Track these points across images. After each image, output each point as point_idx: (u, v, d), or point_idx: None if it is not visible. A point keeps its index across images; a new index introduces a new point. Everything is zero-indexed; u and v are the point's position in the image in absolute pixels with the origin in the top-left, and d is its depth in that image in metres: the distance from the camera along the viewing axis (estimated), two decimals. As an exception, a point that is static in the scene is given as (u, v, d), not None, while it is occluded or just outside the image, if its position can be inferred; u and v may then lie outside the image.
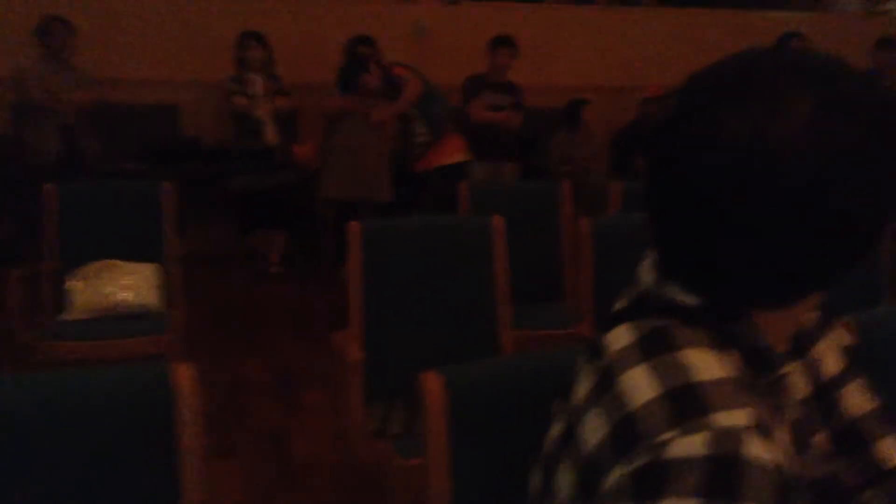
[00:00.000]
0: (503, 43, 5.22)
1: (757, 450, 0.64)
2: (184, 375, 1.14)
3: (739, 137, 0.68)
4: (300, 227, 5.36)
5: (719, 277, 0.74)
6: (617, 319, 0.81)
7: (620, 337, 0.77)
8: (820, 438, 0.90)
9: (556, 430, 0.83)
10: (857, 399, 0.93)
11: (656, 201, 0.76)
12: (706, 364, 0.71)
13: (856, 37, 5.99)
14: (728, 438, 0.64)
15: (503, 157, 5.30)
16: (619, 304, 0.84)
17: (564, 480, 0.78)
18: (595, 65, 6.72)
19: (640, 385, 0.71)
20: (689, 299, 0.77)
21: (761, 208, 0.68)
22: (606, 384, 0.74)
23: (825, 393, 0.93)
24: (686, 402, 0.68)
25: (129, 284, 3.03)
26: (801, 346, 0.90)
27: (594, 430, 0.73)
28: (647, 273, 0.82)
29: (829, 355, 0.94)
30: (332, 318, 2.92)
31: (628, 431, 0.69)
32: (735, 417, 0.66)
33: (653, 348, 0.73)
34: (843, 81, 0.71)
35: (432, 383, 1.08)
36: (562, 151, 5.87)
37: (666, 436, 0.66)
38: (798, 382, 0.88)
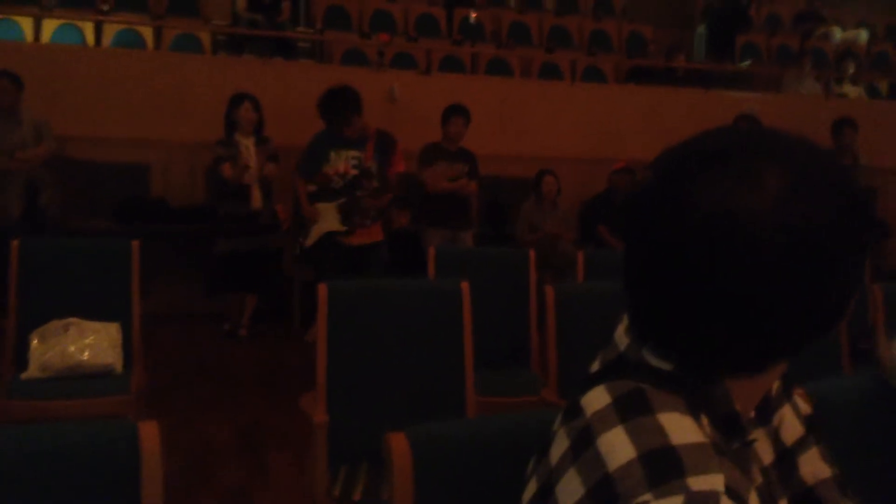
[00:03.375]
0: (457, 112, 5.35)
1: None
2: (149, 434, 1.13)
3: (712, 211, 0.71)
4: (270, 288, 5.35)
5: (692, 345, 0.76)
6: (593, 381, 0.82)
7: (597, 398, 0.78)
8: None
9: (530, 489, 0.83)
10: (815, 466, 0.96)
11: (631, 269, 0.78)
12: (681, 428, 0.72)
13: (814, 118, 6.23)
14: (703, 503, 0.66)
15: (460, 224, 5.38)
16: (595, 366, 0.86)
17: None
18: (564, 137, 6.88)
19: (618, 446, 0.72)
20: (663, 364, 0.78)
21: (733, 280, 0.70)
22: (583, 444, 0.75)
23: (785, 459, 0.95)
24: (663, 465, 0.69)
25: (91, 343, 2.98)
26: (766, 412, 0.92)
27: (571, 490, 0.74)
28: (622, 336, 0.84)
29: (790, 423, 0.96)
30: (299, 380, 2.91)
31: (606, 492, 0.70)
32: (710, 482, 0.67)
33: (629, 410, 0.75)
34: (812, 159, 0.75)
35: (398, 443, 1.09)
36: (530, 220, 5.96)
37: (643, 497, 0.67)
38: (763, 449, 0.90)
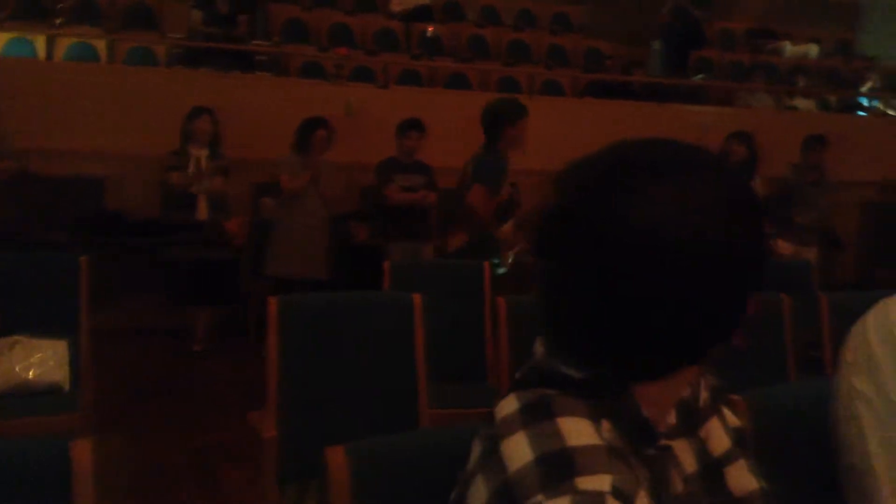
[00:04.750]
0: (412, 126, 5.40)
1: None
2: (81, 453, 1.11)
3: (605, 225, 0.74)
4: (227, 303, 5.30)
5: (596, 352, 0.79)
6: (511, 390, 0.84)
7: (507, 406, 0.81)
8: None
9: (453, 497, 0.85)
10: (742, 479, 0.97)
11: (539, 281, 0.81)
12: (578, 431, 0.75)
13: (766, 131, 6.34)
14: (590, 502, 0.68)
15: (420, 236, 5.40)
16: (516, 376, 0.88)
17: None
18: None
19: (518, 450, 0.74)
20: (572, 371, 0.81)
21: (630, 292, 0.74)
22: (490, 451, 0.77)
23: (712, 471, 0.96)
24: (556, 467, 0.71)
25: (37, 362, 2.92)
26: (690, 423, 0.94)
27: (479, 495, 0.76)
28: (539, 347, 0.86)
29: (718, 435, 0.98)
30: (255, 396, 2.88)
31: (506, 495, 0.72)
32: (597, 482, 0.70)
33: (532, 416, 0.77)
34: (707, 173, 0.78)
35: (336, 458, 1.08)
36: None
37: (536, 499, 0.69)
38: (685, 458, 0.92)
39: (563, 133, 7.04)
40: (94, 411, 2.96)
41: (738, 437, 1.00)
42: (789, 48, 9.39)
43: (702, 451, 0.95)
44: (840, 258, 6.92)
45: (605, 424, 0.77)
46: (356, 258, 5.37)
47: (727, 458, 0.97)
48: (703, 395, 0.98)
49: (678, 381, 0.83)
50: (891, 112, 8.82)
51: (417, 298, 2.43)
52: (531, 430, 0.75)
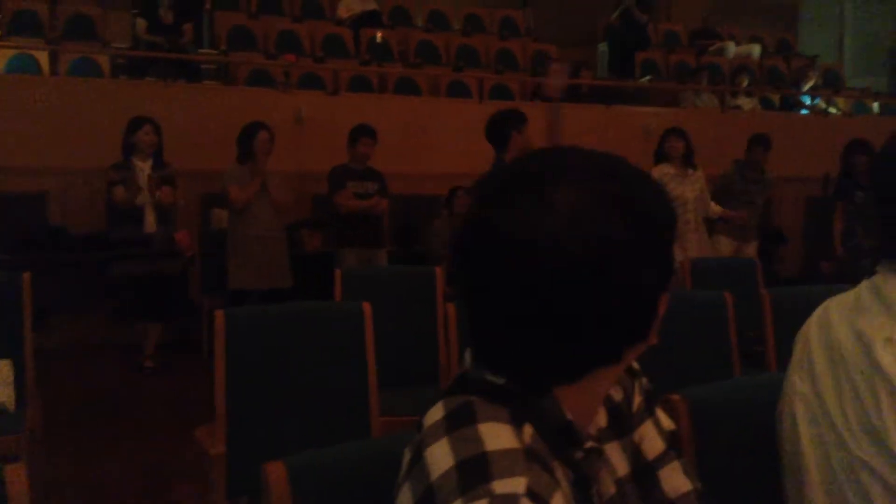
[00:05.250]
0: (364, 133, 5.38)
1: None
2: (16, 477, 1.09)
3: (512, 233, 0.76)
4: (177, 317, 5.22)
5: (514, 358, 0.81)
6: (439, 398, 0.86)
7: (434, 414, 0.82)
8: None
9: None
10: (675, 481, 0.99)
11: (460, 290, 0.83)
12: (497, 436, 0.76)
13: (711, 130, 6.48)
14: None
15: (374, 243, 5.39)
16: (448, 385, 0.89)
17: None
18: (473, 154, 6.91)
19: (439, 457, 0.76)
20: (496, 378, 0.82)
21: (537, 296, 0.76)
22: (416, 458, 0.79)
23: (645, 473, 0.98)
24: (474, 471, 0.73)
25: (-20, 382, 2.85)
26: (623, 427, 0.96)
27: (405, 503, 0.77)
28: (468, 354, 0.88)
29: (652, 438, 1.00)
30: (204, 411, 2.85)
31: (429, 502, 0.74)
32: (512, 485, 0.71)
33: (455, 423, 0.79)
34: (609, 179, 0.80)
35: (276, 473, 1.08)
36: (441, 237, 6.01)
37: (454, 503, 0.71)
38: (617, 460, 0.94)
39: (514, 136, 7.10)
40: (41, 432, 2.90)
41: (671, 439, 1.02)
42: (732, 48, 9.58)
43: (635, 454, 0.97)
44: (785, 253, 7.09)
45: (527, 429, 0.79)
46: (310, 266, 5.34)
47: (660, 461, 0.99)
48: (637, 398, 1.00)
49: (599, 382, 0.85)
50: (831, 109, 9.06)
51: (367, 307, 2.43)
52: (453, 437, 0.77)
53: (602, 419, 0.93)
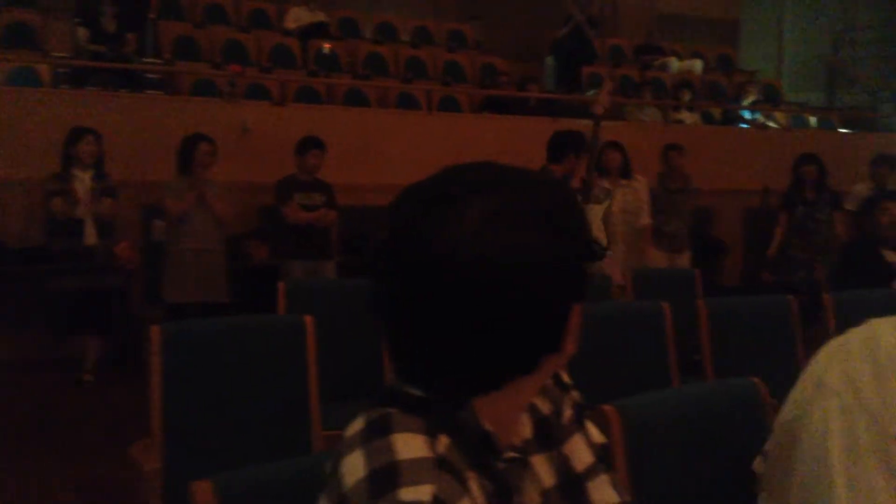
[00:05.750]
0: (312, 144, 5.36)
1: None
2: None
3: (424, 246, 0.78)
4: (117, 331, 5.12)
5: (430, 369, 0.82)
6: (362, 411, 0.87)
7: (353, 426, 0.83)
8: None
9: None
10: (604, 493, 1.00)
11: (375, 302, 0.84)
12: (409, 445, 0.78)
13: (655, 143, 6.59)
14: None
15: (321, 254, 5.37)
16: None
17: None
18: (422, 165, 6.84)
19: (353, 467, 0.77)
20: (414, 390, 0.84)
21: (450, 307, 0.78)
22: (333, 470, 0.80)
23: (573, 486, 0.99)
24: (383, 480, 0.75)
25: None
26: (550, 439, 0.98)
27: None
28: (393, 367, 0.89)
29: (581, 450, 1.01)
30: (143, 426, 2.80)
31: None
32: (418, 493, 0.73)
33: (371, 434, 0.80)
34: (518, 191, 0.82)
35: (202, 492, 1.07)
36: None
37: None
38: (543, 472, 0.95)
39: (462, 148, 7.13)
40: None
41: (602, 452, 1.03)
42: (675, 64, 9.78)
43: (563, 466, 0.98)
44: (725, 263, 7.25)
45: (443, 439, 0.81)
46: (256, 278, 5.28)
47: (589, 474, 1.00)
48: (567, 411, 1.01)
49: (518, 393, 0.86)
50: (770, 124, 9.30)
51: (309, 320, 2.42)
52: (367, 448, 0.78)
53: (527, 430, 0.94)
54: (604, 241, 4.93)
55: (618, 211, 5.39)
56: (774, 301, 3.21)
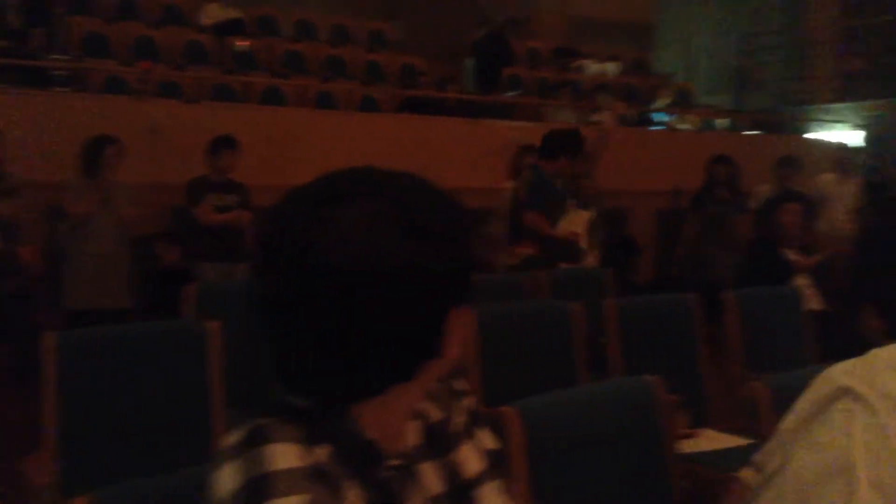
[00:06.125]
0: (225, 143, 5.24)
1: None
2: None
3: (295, 249, 0.78)
4: (18, 338, 4.91)
5: (306, 378, 0.82)
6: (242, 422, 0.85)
7: (231, 437, 0.82)
8: None
9: None
10: (493, 499, 1.00)
11: (257, 308, 0.83)
12: (283, 456, 0.77)
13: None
14: None
15: (234, 257, 5.26)
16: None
17: None
18: (340, 166, 6.90)
19: (225, 479, 0.77)
20: (294, 399, 0.83)
21: (319, 315, 0.77)
22: (210, 481, 0.79)
23: (462, 493, 0.99)
24: (253, 492, 0.74)
25: None
26: (439, 446, 0.97)
27: None
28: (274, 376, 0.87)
29: (472, 457, 1.01)
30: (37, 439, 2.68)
31: None
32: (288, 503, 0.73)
33: (246, 445, 0.79)
34: (394, 199, 0.82)
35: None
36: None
37: None
38: (431, 479, 0.94)
39: (381, 149, 7.12)
40: None
41: (495, 458, 1.03)
42: (592, 66, 9.97)
43: (452, 473, 0.98)
44: (639, 263, 7.42)
45: (322, 449, 0.80)
46: (167, 281, 5.14)
47: (479, 480, 1.00)
48: (459, 419, 1.01)
49: (400, 400, 0.86)
50: (682, 126, 9.57)
51: (213, 326, 2.36)
52: (241, 459, 0.78)
53: (415, 437, 0.94)
54: (584, 246, 5.03)
55: None
56: (679, 300, 3.30)
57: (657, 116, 9.62)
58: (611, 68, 10.07)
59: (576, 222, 5.05)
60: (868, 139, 10.54)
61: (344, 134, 7.03)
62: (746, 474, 1.34)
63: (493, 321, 2.90)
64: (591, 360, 3.11)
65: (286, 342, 0.81)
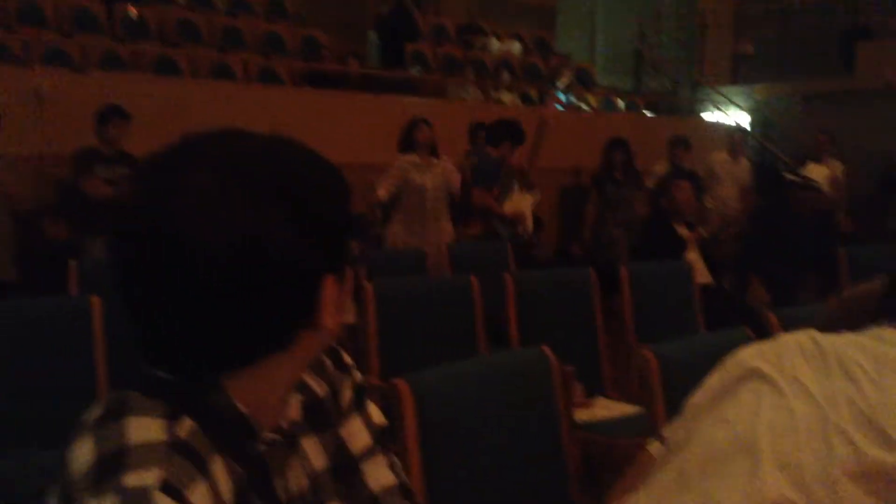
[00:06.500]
0: (114, 113, 5.05)
1: None
2: None
3: (149, 217, 0.74)
4: None
5: (171, 349, 0.78)
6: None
7: (91, 411, 0.78)
8: None
9: None
10: (379, 474, 0.99)
11: (114, 279, 0.78)
12: (142, 429, 0.74)
13: (475, 121, 6.71)
14: (136, 498, 0.68)
15: None
16: None
17: None
18: (238, 139, 6.73)
19: (80, 453, 0.73)
20: (160, 372, 0.79)
21: (177, 281, 0.74)
22: (63, 457, 0.75)
23: (347, 468, 0.97)
24: (109, 465, 0.71)
25: None
26: (323, 420, 0.95)
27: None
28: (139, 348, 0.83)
29: (358, 432, 0.99)
30: None
31: (66, 499, 0.71)
32: (143, 478, 0.70)
33: (105, 419, 0.75)
34: (255, 163, 0.79)
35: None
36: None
37: (83, 499, 0.69)
38: (314, 454, 0.92)
39: (281, 122, 6.95)
40: None
41: (383, 434, 1.02)
42: (495, 45, 10.01)
43: (338, 449, 0.96)
44: (541, 238, 7.54)
45: (186, 423, 0.77)
46: (53, 257, 4.89)
47: (366, 456, 0.99)
48: (347, 393, 0.99)
49: (275, 372, 0.82)
50: (583, 106, 9.75)
51: (96, 301, 2.26)
52: (98, 433, 0.74)
53: (296, 412, 0.91)
54: (529, 226, 5.49)
55: (431, 187, 5.44)
56: (577, 273, 3.36)
57: (559, 96, 9.75)
58: (514, 47, 10.13)
59: (521, 204, 5.42)
60: (757, 122, 11.00)
61: (242, 106, 6.83)
62: (653, 446, 1.37)
63: (392, 295, 2.88)
64: (493, 334, 3.14)
65: (146, 313, 0.77)
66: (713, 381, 1.27)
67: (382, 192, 5.30)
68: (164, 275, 0.74)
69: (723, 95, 11.01)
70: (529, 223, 5.51)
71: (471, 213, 5.45)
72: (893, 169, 7.99)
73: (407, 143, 5.38)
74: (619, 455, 2.50)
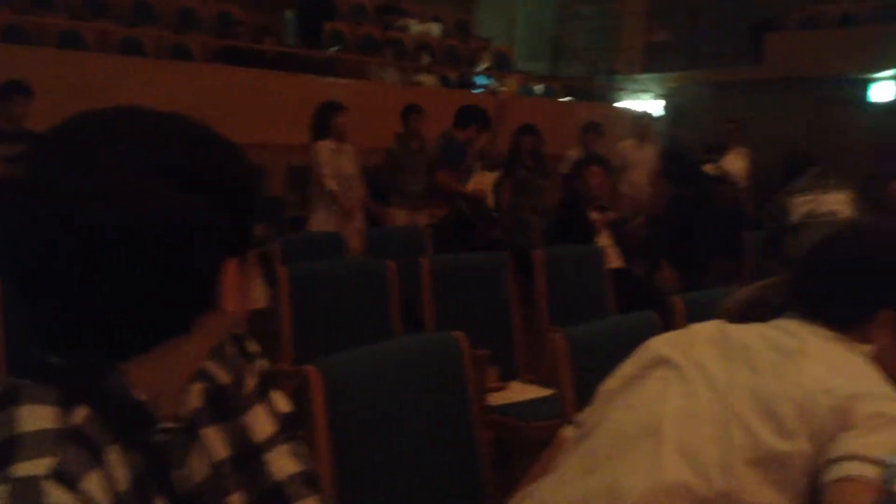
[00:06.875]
0: (16, 89, 4.85)
1: (57, 498, 0.67)
2: None
3: (44, 197, 0.72)
4: None
5: (62, 333, 0.75)
6: None
7: None
8: (234, 500, 0.92)
9: None
10: (283, 462, 0.98)
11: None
12: (33, 417, 0.72)
13: (392, 103, 6.67)
14: (27, 488, 0.67)
15: None
16: None
17: None
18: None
19: None
20: (53, 359, 0.76)
21: (69, 263, 0.71)
22: None
23: (249, 457, 0.96)
24: None
25: None
26: (225, 409, 0.93)
27: None
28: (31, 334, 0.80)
29: (262, 421, 0.98)
30: None
31: None
32: (34, 467, 0.68)
33: None
34: (154, 142, 0.76)
35: None
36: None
37: None
38: (215, 444, 0.91)
39: (194, 100, 6.76)
40: None
41: (286, 422, 1.00)
42: (415, 26, 9.97)
43: (240, 438, 0.95)
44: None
45: (80, 411, 0.74)
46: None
47: (269, 444, 0.97)
48: (250, 381, 0.97)
49: (175, 357, 0.81)
50: (501, 90, 9.80)
51: (-8, 286, 2.16)
52: None
53: (198, 400, 0.89)
54: (490, 203, 5.84)
55: (356, 173, 5.42)
56: (492, 258, 3.39)
57: (478, 80, 9.79)
58: (434, 29, 10.11)
59: (483, 182, 5.78)
60: (668, 109, 11.30)
61: (152, 83, 6.61)
62: (567, 430, 1.41)
63: (306, 279, 2.85)
64: (410, 319, 3.15)
65: (38, 296, 0.74)
66: (625, 367, 1.32)
67: (332, 184, 5.24)
68: (57, 256, 0.71)
69: (636, 83, 11.25)
70: (490, 201, 5.81)
71: (435, 195, 5.72)
72: (797, 155, 8.33)
73: (321, 129, 5.30)
74: (532, 437, 2.54)
